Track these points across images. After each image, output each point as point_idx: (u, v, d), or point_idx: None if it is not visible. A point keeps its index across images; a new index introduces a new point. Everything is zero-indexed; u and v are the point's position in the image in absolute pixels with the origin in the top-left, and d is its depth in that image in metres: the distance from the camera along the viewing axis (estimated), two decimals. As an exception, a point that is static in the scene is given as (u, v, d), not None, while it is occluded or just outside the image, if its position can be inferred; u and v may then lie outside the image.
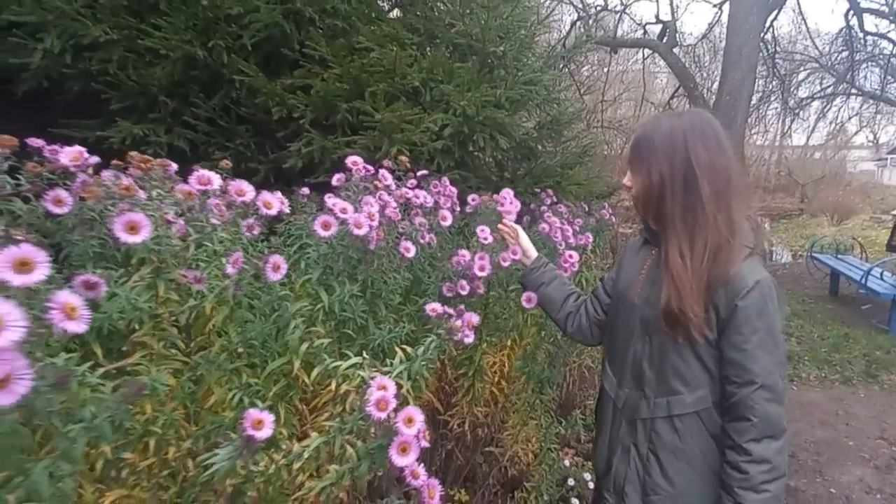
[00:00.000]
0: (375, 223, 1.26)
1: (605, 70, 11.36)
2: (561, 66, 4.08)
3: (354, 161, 1.43)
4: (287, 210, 1.21)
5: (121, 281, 0.98)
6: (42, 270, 0.61)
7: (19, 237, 0.80)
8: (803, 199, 15.40)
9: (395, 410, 0.80)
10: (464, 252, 1.58)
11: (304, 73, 2.17)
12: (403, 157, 1.66)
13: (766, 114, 14.20)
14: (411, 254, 1.45)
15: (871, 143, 20.44)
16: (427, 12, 2.70)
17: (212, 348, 1.11)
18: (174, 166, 1.12)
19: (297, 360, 1.12)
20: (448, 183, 1.83)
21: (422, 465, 0.80)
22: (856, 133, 18.77)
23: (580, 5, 9.67)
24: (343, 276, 1.33)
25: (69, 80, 1.98)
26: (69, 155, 1.02)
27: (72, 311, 0.62)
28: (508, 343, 2.00)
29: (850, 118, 14.69)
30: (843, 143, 19.27)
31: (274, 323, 1.17)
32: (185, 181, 1.07)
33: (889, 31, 9.74)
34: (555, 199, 2.58)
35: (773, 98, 12.45)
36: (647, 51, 10.83)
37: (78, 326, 0.63)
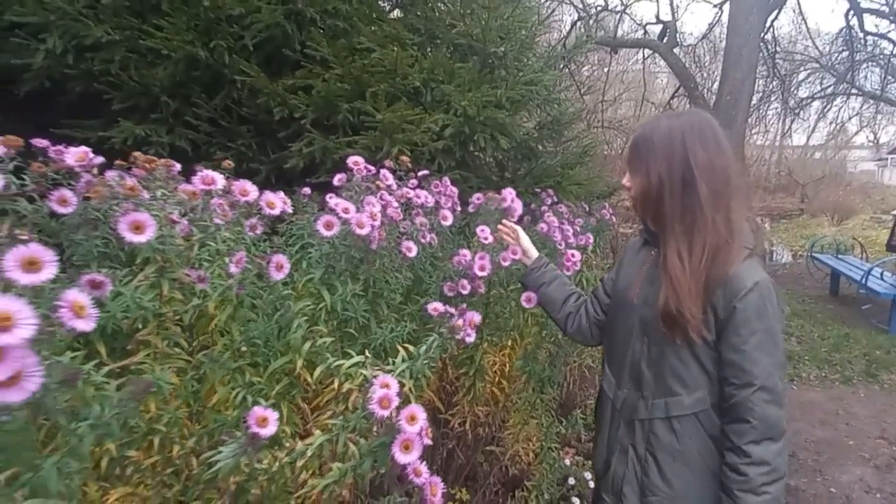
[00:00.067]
0: (377, 223, 1.27)
1: (606, 70, 11.37)
2: (561, 66, 4.09)
3: (356, 161, 1.44)
4: (289, 210, 1.22)
5: (125, 280, 0.98)
6: (50, 270, 0.61)
7: (24, 237, 0.80)
8: (803, 199, 15.39)
9: (398, 409, 0.80)
10: (465, 252, 1.58)
11: (306, 73, 2.18)
12: (404, 157, 1.66)
13: (766, 114, 14.23)
14: (413, 253, 1.45)
15: (871, 143, 20.40)
16: (428, 13, 2.70)
17: (215, 347, 1.12)
18: (178, 166, 1.14)
19: (299, 359, 1.13)
20: (449, 183, 1.83)
21: (424, 462, 0.81)
22: (856, 133, 18.80)
23: (580, 5, 9.66)
24: (345, 276, 1.33)
25: (71, 80, 1.99)
26: (75, 155, 1.02)
27: (80, 310, 0.63)
28: (509, 342, 2.01)
29: (850, 118, 14.74)
30: (843, 143, 19.25)
31: (277, 322, 1.18)
32: (188, 181, 1.08)
33: (889, 31, 9.76)
34: (555, 199, 2.58)
35: (773, 98, 12.47)
36: (647, 51, 10.83)
37: (86, 325, 0.63)
